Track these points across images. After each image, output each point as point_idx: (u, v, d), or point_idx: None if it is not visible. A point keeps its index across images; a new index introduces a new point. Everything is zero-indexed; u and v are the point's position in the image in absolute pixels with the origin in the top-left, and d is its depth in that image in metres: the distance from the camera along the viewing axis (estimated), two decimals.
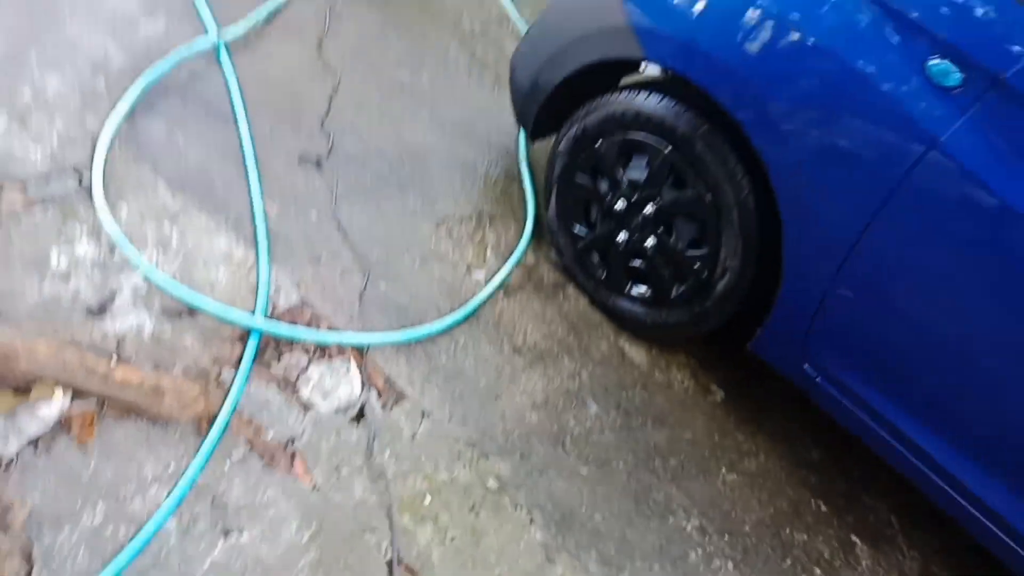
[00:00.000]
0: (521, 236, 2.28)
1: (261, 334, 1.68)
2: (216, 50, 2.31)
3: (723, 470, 2.00)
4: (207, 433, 1.49)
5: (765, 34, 1.71)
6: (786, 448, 2.13)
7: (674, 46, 1.85)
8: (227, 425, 1.52)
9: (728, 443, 2.07)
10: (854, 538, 2.01)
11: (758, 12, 1.71)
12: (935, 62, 1.54)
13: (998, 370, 1.64)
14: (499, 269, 2.16)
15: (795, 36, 1.67)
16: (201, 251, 1.82)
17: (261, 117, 2.22)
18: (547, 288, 2.22)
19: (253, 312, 1.72)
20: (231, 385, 1.58)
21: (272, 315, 1.77)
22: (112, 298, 1.61)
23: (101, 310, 1.58)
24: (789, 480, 2.06)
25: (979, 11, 1.52)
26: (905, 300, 1.70)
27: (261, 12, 2.53)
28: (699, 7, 1.79)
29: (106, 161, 1.83)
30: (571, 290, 2.25)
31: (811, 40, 1.65)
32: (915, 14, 1.57)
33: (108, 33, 2.18)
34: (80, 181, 1.78)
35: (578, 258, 2.22)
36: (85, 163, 1.82)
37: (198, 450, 1.46)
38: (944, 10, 1.55)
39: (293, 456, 1.56)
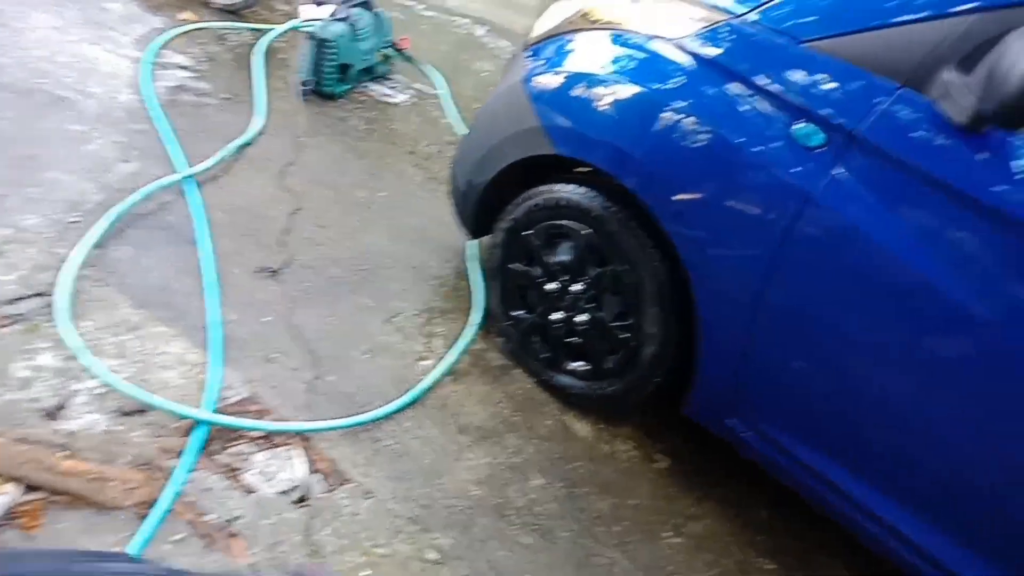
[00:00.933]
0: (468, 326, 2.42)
1: (207, 425, 1.81)
2: (184, 183, 2.56)
3: (668, 534, 2.04)
4: (148, 518, 1.59)
5: (651, 121, 1.90)
6: (734, 510, 2.16)
7: (576, 139, 2.05)
8: (168, 509, 1.62)
9: (673, 508, 2.12)
10: None
11: (644, 102, 1.91)
12: (799, 126, 1.71)
13: (914, 410, 1.71)
14: (447, 357, 2.29)
15: (677, 119, 1.85)
16: (157, 357, 1.98)
17: (224, 238, 2.44)
18: (494, 371, 2.34)
19: (200, 407, 1.85)
20: (175, 474, 1.70)
21: (221, 410, 1.90)
22: (68, 401, 1.76)
23: (56, 412, 1.73)
24: (736, 541, 2.08)
25: (826, 76, 1.70)
26: (811, 348, 1.79)
27: (229, 148, 2.80)
28: (594, 104, 2.00)
29: (74, 282, 2.02)
30: (517, 372, 2.36)
31: (692, 122, 1.83)
32: (776, 87, 1.75)
33: (85, 175, 2.43)
34: (47, 302, 1.97)
35: (521, 341, 2.35)
36: (53, 285, 2.01)
37: (139, 534, 1.56)
38: (798, 79, 1.73)
39: (232, 536, 1.65)
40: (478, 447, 2.09)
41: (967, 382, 1.60)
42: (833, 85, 1.69)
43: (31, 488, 1.56)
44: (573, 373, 2.26)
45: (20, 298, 1.96)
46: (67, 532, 1.53)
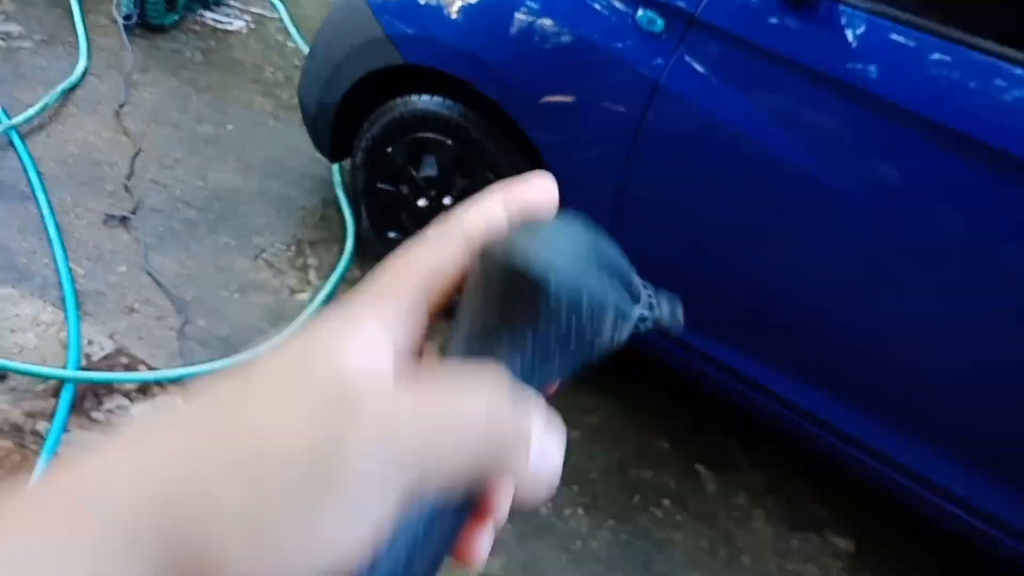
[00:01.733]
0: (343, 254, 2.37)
1: (73, 382, 1.70)
2: (7, 134, 2.33)
3: (567, 429, 2.11)
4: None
5: (500, 22, 1.87)
6: (626, 399, 2.25)
7: (426, 46, 1.99)
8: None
9: (568, 404, 2.18)
10: (698, 467, 2.13)
11: (495, 5, 1.88)
12: (640, 13, 1.72)
13: (776, 280, 1.80)
14: (323, 288, 2.23)
15: (527, 19, 1.83)
16: (7, 321, 1.83)
17: (62, 189, 2.25)
18: None
19: (64, 367, 1.74)
20: (48, 436, 1.60)
21: (87, 367, 1.79)
22: None
23: None
24: (631, 427, 2.18)
25: None
26: (675, 233, 1.86)
27: (53, 94, 2.56)
28: (443, 9, 1.95)
29: None
30: None
31: (541, 20, 1.81)
32: None
33: None
34: None
35: None
36: None
37: None
38: None
39: None
40: None
41: (822, 248, 1.70)
42: None
43: None
44: None
45: None
46: None
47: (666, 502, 2.00)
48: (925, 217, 1.55)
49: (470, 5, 1.92)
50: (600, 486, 1.99)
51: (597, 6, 1.77)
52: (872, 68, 1.53)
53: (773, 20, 1.60)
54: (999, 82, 1.46)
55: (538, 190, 0.32)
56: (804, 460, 2.13)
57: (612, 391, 2.26)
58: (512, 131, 1.98)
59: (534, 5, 1.82)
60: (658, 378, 2.29)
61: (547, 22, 1.81)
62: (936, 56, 1.51)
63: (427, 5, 1.97)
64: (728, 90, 1.67)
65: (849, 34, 1.58)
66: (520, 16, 1.84)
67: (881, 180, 1.58)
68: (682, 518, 1.96)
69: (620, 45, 1.75)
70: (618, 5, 1.75)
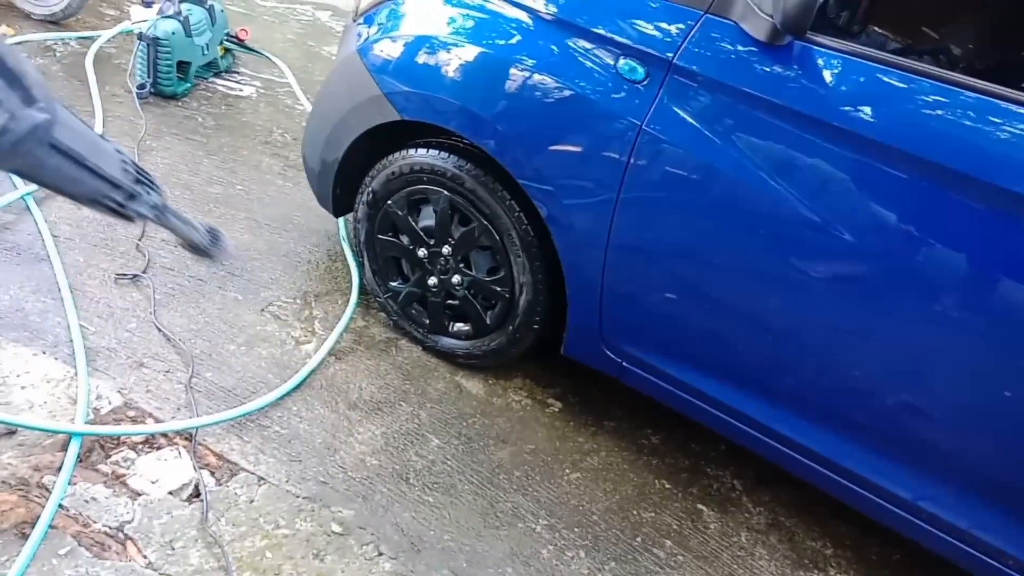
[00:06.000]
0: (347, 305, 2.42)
1: (79, 436, 1.75)
2: (25, 199, 2.43)
3: (567, 471, 2.12)
4: (32, 536, 1.53)
5: (491, 78, 1.94)
6: (626, 440, 2.26)
7: (420, 103, 2.07)
8: (50, 525, 1.57)
9: (569, 447, 2.20)
10: (700, 506, 2.12)
11: (489, 63, 1.95)
12: (623, 63, 1.79)
13: (768, 319, 1.81)
14: (329, 338, 2.28)
15: (514, 72, 1.90)
16: (18, 378, 1.89)
17: (75, 251, 2.34)
18: (379, 346, 2.35)
19: (72, 421, 1.79)
20: (54, 489, 1.64)
21: (95, 420, 1.83)
22: None
23: None
24: (632, 468, 2.18)
25: (639, 13, 1.78)
26: (667, 274, 1.89)
27: None
28: (438, 67, 2.02)
29: None
30: (403, 343, 2.38)
31: (527, 73, 1.88)
32: (600, 30, 1.82)
33: None
34: None
35: (402, 311, 2.37)
36: None
37: (22, 553, 1.50)
38: (616, 20, 1.81)
39: (124, 541, 1.61)
40: (370, 420, 2.10)
41: (806, 286, 1.71)
42: (645, 20, 1.78)
43: None
44: (457, 335, 2.30)
45: None
46: None
47: (668, 543, 1.99)
48: (903, 252, 1.57)
49: (462, 63, 1.99)
50: (601, 527, 1.99)
51: (583, 59, 1.84)
52: (845, 105, 1.57)
53: (748, 62, 1.66)
54: (973, 116, 1.50)
55: None
56: (807, 497, 2.12)
57: (612, 432, 2.27)
58: (505, 180, 2.04)
59: (525, 60, 1.89)
60: (658, 417, 2.30)
61: (537, 76, 1.87)
62: (909, 91, 1.55)
63: (420, 64, 2.05)
64: (708, 133, 1.72)
65: (823, 73, 1.63)
66: (512, 71, 1.90)
67: (860, 217, 1.60)
68: (684, 558, 1.94)
69: (605, 94, 1.81)
70: (603, 57, 1.82)
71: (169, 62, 3.22)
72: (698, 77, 1.70)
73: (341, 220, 2.71)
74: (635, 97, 1.77)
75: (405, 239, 2.28)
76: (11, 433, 1.76)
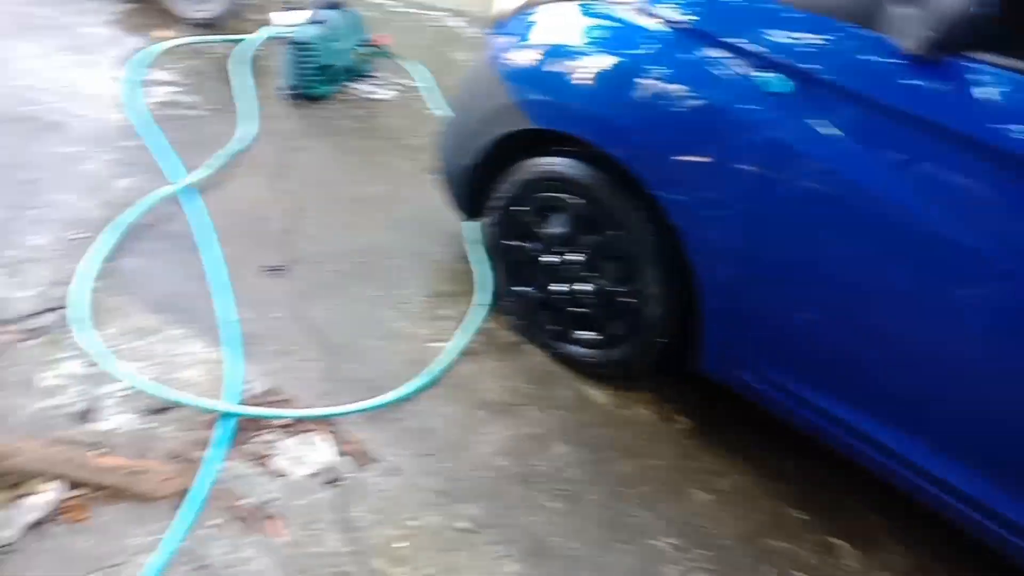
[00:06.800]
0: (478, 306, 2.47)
1: (233, 417, 1.85)
2: (183, 192, 2.60)
3: (695, 491, 2.08)
4: (186, 505, 1.63)
5: (631, 89, 1.93)
6: (758, 463, 2.19)
7: (551, 111, 2.08)
8: (204, 497, 1.66)
9: (698, 466, 2.16)
10: (838, 541, 2.03)
11: (622, 72, 1.95)
12: (767, 76, 1.75)
13: (914, 345, 1.74)
14: (459, 338, 2.33)
15: (649, 82, 1.89)
16: (178, 358, 2.01)
17: (227, 242, 2.47)
18: (506, 348, 2.38)
19: (224, 400, 1.89)
20: (207, 463, 1.74)
21: (244, 402, 1.93)
22: (96, 405, 1.80)
23: (86, 415, 1.77)
24: (765, 494, 2.12)
25: (787, 26, 1.74)
26: (803, 292, 1.83)
27: (221, 157, 2.84)
28: (569, 76, 2.03)
29: (89, 294, 2.06)
30: (529, 347, 2.40)
31: (663, 83, 1.87)
32: (742, 41, 1.78)
33: (84, 194, 2.47)
34: (65, 314, 2.00)
35: (528, 316, 2.39)
36: (66, 299, 2.05)
37: (179, 520, 1.60)
38: (761, 32, 1.77)
39: (268, 518, 1.69)
40: (498, 421, 2.13)
41: (958, 310, 1.63)
42: (794, 34, 1.73)
43: (75, 485, 1.60)
44: (582, 343, 2.30)
45: (39, 312, 2.00)
46: (113, 523, 1.58)
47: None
48: None
49: (596, 72, 1.99)
50: (731, 552, 1.94)
51: (721, 70, 1.81)
52: (1000, 123, 1.49)
53: (898, 77, 1.59)
54: None
55: None
56: (957, 543, 2.00)
57: (745, 455, 2.21)
58: (635, 189, 2.02)
59: (661, 70, 1.88)
60: (794, 443, 2.23)
61: (674, 87, 1.85)
62: None
63: (552, 72, 2.07)
64: (854, 147, 1.66)
65: (977, 89, 1.55)
66: (647, 81, 1.89)
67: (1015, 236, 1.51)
68: None
69: (744, 106, 1.77)
70: (742, 68, 1.78)
71: (314, 65, 3.37)
72: (846, 91, 1.65)
73: (469, 224, 2.76)
74: (776, 109, 1.73)
75: (533, 245, 2.30)
76: (165, 410, 1.87)
